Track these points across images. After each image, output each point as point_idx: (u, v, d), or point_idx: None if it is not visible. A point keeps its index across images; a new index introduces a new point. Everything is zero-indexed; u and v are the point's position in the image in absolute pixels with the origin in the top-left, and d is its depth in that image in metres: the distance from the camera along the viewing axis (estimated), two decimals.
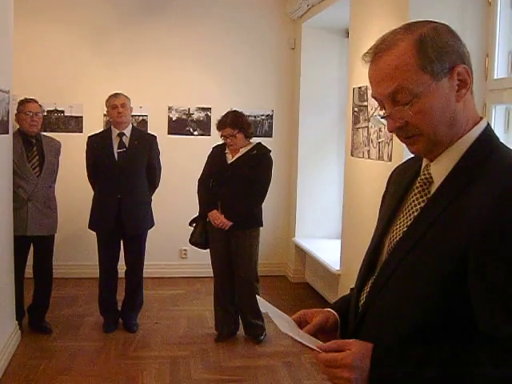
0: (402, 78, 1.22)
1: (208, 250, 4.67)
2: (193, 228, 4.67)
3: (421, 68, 1.21)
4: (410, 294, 1.23)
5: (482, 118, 1.30)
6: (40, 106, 4.68)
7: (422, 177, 1.33)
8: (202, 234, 4.58)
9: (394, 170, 1.53)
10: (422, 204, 1.30)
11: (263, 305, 1.46)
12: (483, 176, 1.19)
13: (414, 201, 1.33)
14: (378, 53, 1.26)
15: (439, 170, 1.28)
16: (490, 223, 1.11)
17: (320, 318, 1.42)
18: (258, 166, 4.45)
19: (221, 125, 4.46)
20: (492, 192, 1.14)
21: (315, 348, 1.25)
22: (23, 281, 4.59)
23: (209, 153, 4.71)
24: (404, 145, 1.33)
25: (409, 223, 1.31)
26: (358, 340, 1.25)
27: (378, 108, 1.32)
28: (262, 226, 4.62)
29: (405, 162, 1.49)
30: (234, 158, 4.48)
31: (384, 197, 1.52)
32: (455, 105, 1.24)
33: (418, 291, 1.21)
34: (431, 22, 1.27)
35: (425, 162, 1.35)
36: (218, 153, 4.61)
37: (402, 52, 1.22)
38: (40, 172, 4.55)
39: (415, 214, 1.30)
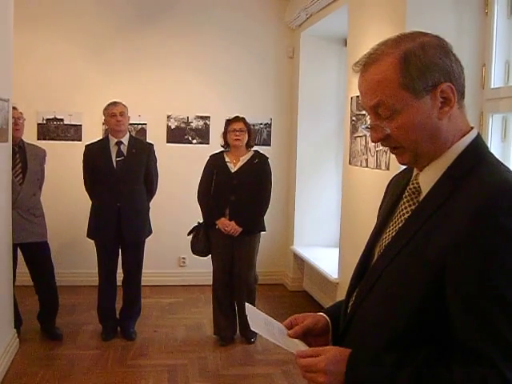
0: (383, 93, 1.24)
1: (207, 258, 4.72)
2: (191, 237, 4.71)
3: (402, 85, 1.22)
4: (392, 301, 1.24)
5: (472, 128, 1.30)
6: (21, 112, 4.62)
7: (411, 186, 1.34)
8: (206, 242, 4.70)
9: (391, 180, 1.54)
10: (409, 213, 1.31)
11: (251, 312, 1.48)
12: (465, 189, 1.19)
13: (402, 209, 1.34)
14: (365, 64, 1.27)
15: (427, 179, 1.30)
16: (463, 238, 1.12)
17: (309, 321, 1.45)
18: (261, 173, 4.68)
19: (235, 118, 4.70)
20: (468, 208, 1.14)
21: (295, 353, 1.30)
22: (14, 288, 4.52)
23: (206, 162, 4.77)
24: None
25: (395, 232, 1.33)
26: (335, 346, 1.30)
27: (368, 117, 1.34)
28: (265, 230, 4.84)
29: (401, 172, 1.51)
30: (238, 167, 4.64)
31: (380, 206, 1.54)
32: (437, 122, 1.24)
33: (399, 298, 1.22)
34: (423, 34, 1.27)
35: (415, 171, 1.36)
36: (218, 162, 4.70)
37: (385, 68, 1.23)
38: (23, 180, 4.51)
39: (402, 223, 1.32)
